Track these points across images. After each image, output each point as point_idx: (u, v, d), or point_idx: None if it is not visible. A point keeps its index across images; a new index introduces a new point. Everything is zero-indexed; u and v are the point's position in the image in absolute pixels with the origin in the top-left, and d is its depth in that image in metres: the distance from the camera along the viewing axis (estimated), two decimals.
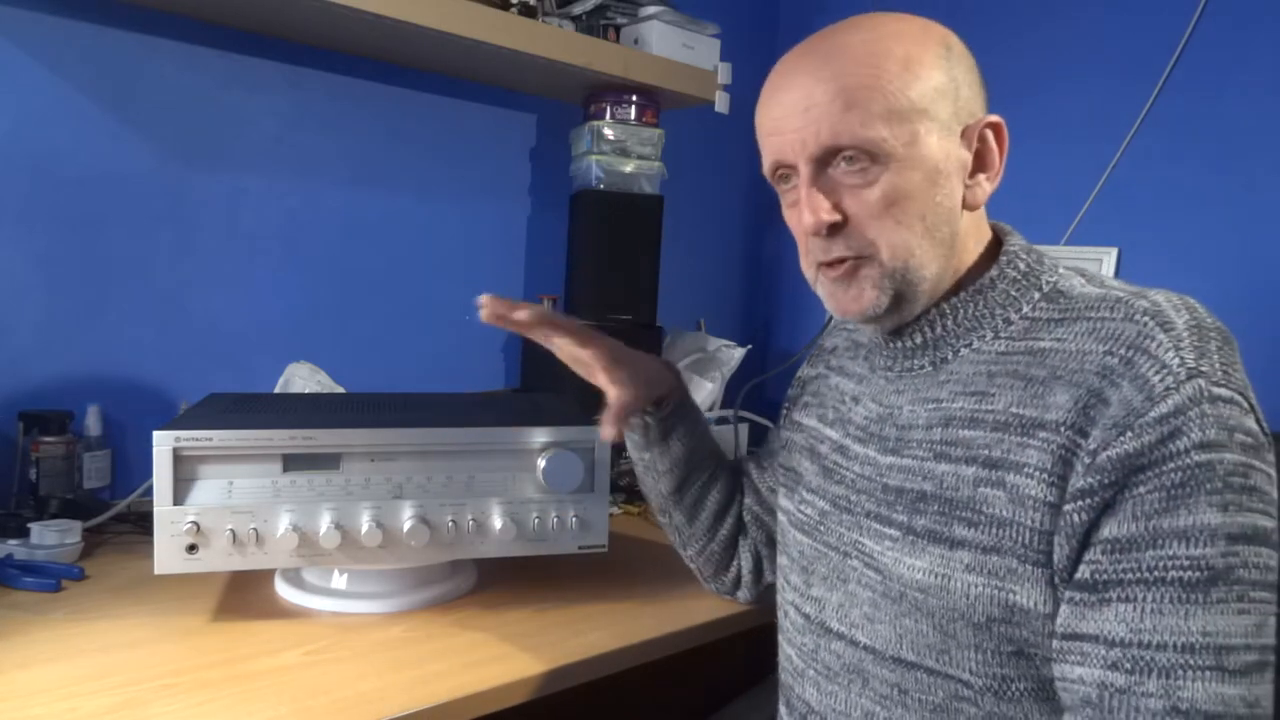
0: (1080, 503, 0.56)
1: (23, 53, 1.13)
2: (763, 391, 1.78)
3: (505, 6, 1.27)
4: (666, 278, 1.56)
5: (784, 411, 0.90)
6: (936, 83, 0.64)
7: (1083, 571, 0.56)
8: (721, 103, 1.53)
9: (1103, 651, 0.55)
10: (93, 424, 1.17)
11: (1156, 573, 0.53)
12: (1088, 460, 0.56)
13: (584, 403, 0.90)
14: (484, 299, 0.80)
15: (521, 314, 0.80)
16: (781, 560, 0.82)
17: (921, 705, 0.65)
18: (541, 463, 0.92)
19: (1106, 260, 1.40)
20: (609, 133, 1.45)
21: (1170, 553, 0.53)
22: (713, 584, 0.98)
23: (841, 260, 0.67)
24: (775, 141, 0.67)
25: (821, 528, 0.75)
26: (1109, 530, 0.55)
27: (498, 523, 0.91)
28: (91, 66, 1.17)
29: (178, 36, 1.23)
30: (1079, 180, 1.44)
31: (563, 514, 0.94)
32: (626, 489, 1.39)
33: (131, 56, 1.20)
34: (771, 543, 0.94)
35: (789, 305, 1.96)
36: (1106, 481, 0.55)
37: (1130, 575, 0.54)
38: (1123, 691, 0.53)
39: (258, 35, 1.28)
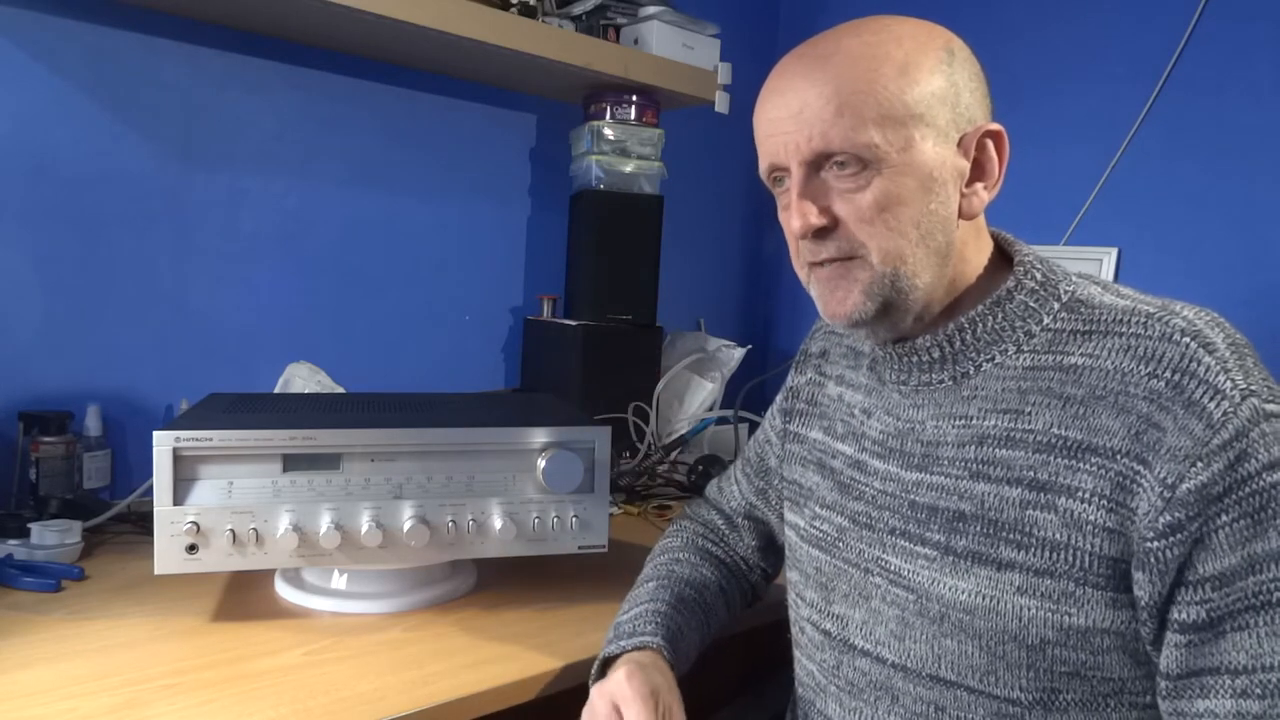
0: (1170, 539, 0.56)
1: (23, 53, 1.13)
2: (763, 391, 1.78)
3: (505, 6, 1.27)
4: (666, 278, 1.56)
5: (780, 423, 0.88)
6: (935, 88, 0.63)
7: (1195, 613, 0.56)
8: (721, 103, 1.53)
9: (1228, 681, 0.55)
10: (93, 424, 1.17)
11: (1262, 597, 0.54)
12: (1166, 494, 0.56)
13: (584, 403, 0.90)
14: None
15: None
16: (793, 575, 0.80)
17: None
18: (541, 463, 0.92)
19: (1106, 260, 1.40)
20: (609, 133, 1.45)
21: (1271, 575, 0.54)
22: None
23: (831, 260, 0.66)
24: (770, 144, 0.67)
25: (840, 544, 0.74)
26: (1209, 567, 0.56)
27: (498, 523, 0.91)
28: (91, 66, 1.17)
29: (178, 36, 1.23)
30: (1079, 180, 1.44)
31: (563, 514, 0.94)
32: (626, 489, 1.39)
33: (131, 56, 1.20)
34: (768, 550, 0.92)
35: (789, 305, 1.96)
36: (1192, 514, 0.55)
37: (1239, 604, 0.55)
38: (1259, 717, 0.54)
39: (258, 35, 1.28)
